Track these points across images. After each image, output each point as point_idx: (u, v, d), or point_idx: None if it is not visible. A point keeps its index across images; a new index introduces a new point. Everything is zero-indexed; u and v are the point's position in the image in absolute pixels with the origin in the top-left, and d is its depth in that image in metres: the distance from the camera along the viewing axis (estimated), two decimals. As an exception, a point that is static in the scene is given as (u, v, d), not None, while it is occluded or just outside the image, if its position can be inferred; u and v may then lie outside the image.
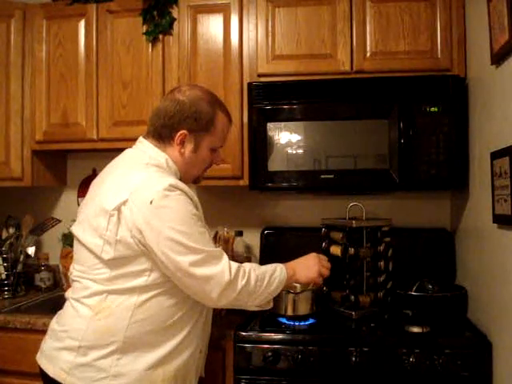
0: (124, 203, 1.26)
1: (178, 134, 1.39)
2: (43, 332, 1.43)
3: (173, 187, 1.27)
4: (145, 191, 1.26)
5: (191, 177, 1.48)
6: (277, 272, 1.43)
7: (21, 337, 1.83)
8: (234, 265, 1.32)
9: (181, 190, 1.29)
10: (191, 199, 1.32)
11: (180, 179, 1.39)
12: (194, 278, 1.26)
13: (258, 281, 1.35)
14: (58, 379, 1.28)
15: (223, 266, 1.29)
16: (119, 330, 1.27)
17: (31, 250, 2.35)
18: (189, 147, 1.40)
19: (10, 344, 1.85)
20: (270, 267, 1.43)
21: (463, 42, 1.89)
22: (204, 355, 1.51)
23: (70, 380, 1.27)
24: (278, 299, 1.80)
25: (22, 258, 2.31)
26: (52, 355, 1.32)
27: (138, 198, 1.25)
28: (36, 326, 1.81)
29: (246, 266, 1.37)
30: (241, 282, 1.31)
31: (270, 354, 1.62)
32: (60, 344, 1.32)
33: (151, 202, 1.24)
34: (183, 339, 1.33)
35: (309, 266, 1.53)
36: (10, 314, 1.92)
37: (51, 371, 1.30)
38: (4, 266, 2.25)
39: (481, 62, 1.68)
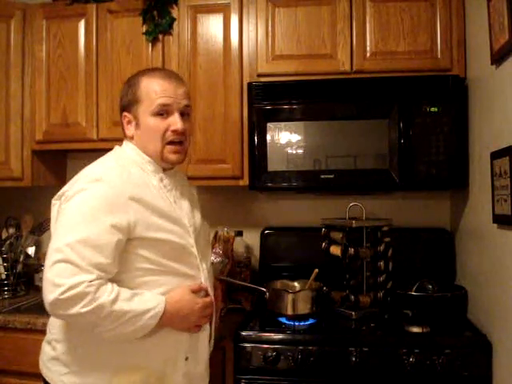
0: (63, 194, 1.29)
1: (122, 117, 1.38)
2: (43, 332, 1.43)
3: (96, 179, 1.24)
4: (74, 184, 1.27)
5: (157, 152, 1.34)
6: (145, 316, 1.22)
7: (21, 337, 1.83)
8: (90, 288, 1.15)
9: (107, 179, 1.24)
10: (120, 195, 1.23)
11: (151, 158, 1.36)
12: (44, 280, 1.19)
13: (111, 317, 1.18)
14: (41, 372, 1.35)
15: (72, 282, 1.14)
16: (75, 325, 1.27)
17: (31, 250, 2.35)
18: (133, 125, 1.36)
19: (9, 344, 1.85)
20: (140, 307, 1.22)
21: (463, 41, 1.89)
22: (195, 362, 1.39)
23: (45, 373, 1.33)
24: (278, 299, 1.81)
25: (21, 258, 2.31)
26: (42, 349, 1.39)
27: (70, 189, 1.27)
28: (36, 326, 1.81)
29: (111, 293, 1.19)
30: (78, 308, 1.15)
31: (269, 353, 1.62)
32: (45, 337, 1.38)
33: (67, 196, 1.25)
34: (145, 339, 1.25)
35: (187, 317, 1.31)
36: (10, 314, 1.92)
37: (39, 365, 1.37)
38: (4, 266, 2.25)
39: (481, 62, 1.68)
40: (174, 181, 1.42)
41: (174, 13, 2.08)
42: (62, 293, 1.14)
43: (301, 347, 1.62)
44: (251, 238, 2.30)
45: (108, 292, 1.18)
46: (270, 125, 1.92)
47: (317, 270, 1.83)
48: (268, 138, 1.92)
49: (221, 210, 2.36)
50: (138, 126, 1.35)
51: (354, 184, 1.88)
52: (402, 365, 1.57)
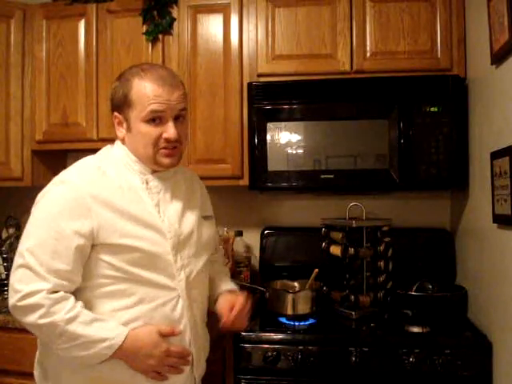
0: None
1: (113, 117, 1.30)
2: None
3: (61, 181, 1.22)
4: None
5: (147, 157, 1.26)
6: (99, 345, 1.14)
7: (21, 337, 1.83)
8: (45, 301, 1.12)
9: (70, 182, 1.21)
10: (85, 197, 1.17)
11: (140, 159, 1.29)
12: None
13: (64, 336, 1.13)
14: None
15: (29, 290, 1.13)
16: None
17: (31, 250, 2.34)
18: (124, 127, 1.28)
19: (9, 344, 1.84)
20: (97, 334, 1.15)
21: (463, 41, 1.89)
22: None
23: (35, 373, 1.30)
24: (278, 299, 1.81)
25: (21, 257, 2.30)
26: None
27: None
28: (36, 326, 1.81)
29: (69, 312, 1.13)
30: (35, 318, 1.13)
31: (270, 353, 1.62)
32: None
33: (36, 199, 1.23)
34: None
35: (145, 360, 1.19)
36: (10, 314, 1.91)
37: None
38: (4, 266, 2.24)
39: (481, 62, 1.68)
40: (167, 182, 1.32)
41: (174, 13, 2.08)
42: (19, 299, 1.13)
43: (301, 347, 1.62)
44: (251, 238, 2.30)
45: (66, 310, 1.13)
46: (270, 125, 1.92)
47: (317, 270, 1.83)
48: (268, 137, 1.92)
49: (221, 209, 2.34)
50: (129, 129, 1.27)
51: (354, 184, 1.88)
52: (402, 365, 1.57)
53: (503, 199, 1.43)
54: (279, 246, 2.23)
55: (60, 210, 1.17)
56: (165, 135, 1.23)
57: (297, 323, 1.76)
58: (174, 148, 1.26)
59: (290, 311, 1.78)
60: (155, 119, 1.23)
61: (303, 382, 1.63)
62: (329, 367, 1.61)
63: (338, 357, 1.61)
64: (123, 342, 1.15)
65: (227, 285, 1.49)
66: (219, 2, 2.05)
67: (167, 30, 2.08)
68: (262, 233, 2.26)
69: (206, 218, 1.42)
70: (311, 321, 1.79)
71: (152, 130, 1.23)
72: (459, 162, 1.82)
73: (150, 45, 2.10)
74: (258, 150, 1.92)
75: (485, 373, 1.55)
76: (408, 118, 1.82)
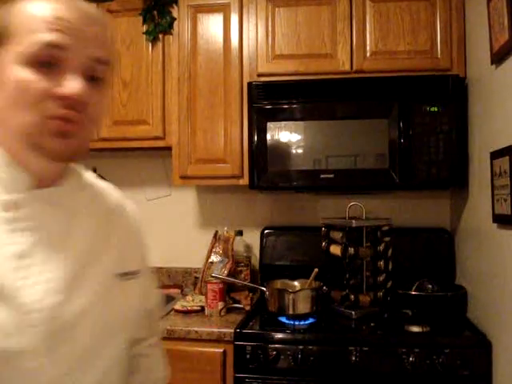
0: None
1: None
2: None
3: None
4: None
5: (20, 136, 0.69)
6: None
7: None
8: None
9: None
10: None
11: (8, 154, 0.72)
12: None
13: None
14: None
15: None
16: None
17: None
18: None
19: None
20: None
21: (463, 41, 1.89)
22: None
23: None
24: (278, 298, 1.81)
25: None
26: None
27: None
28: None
29: None
30: None
31: (269, 353, 1.62)
32: None
33: None
34: None
35: None
36: None
37: None
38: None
39: (481, 62, 1.68)
40: (55, 209, 0.74)
41: (174, 12, 2.08)
42: None
43: (301, 346, 1.62)
44: (251, 238, 2.30)
45: None
46: (270, 124, 1.92)
47: (317, 270, 1.83)
48: (268, 137, 1.92)
49: (221, 209, 2.36)
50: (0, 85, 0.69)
51: (354, 183, 1.88)
52: (401, 364, 1.57)
53: (503, 199, 1.44)
54: (279, 246, 2.23)
55: None
56: (59, 90, 0.67)
57: (297, 322, 1.76)
58: (73, 123, 0.69)
59: (290, 311, 1.78)
60: (48, 62, 0.67)
61: (303, 381, 1.63)
62: (329, 367, 1.61)
63: (337, 356, 1.61)
64: None
65: None
66: (219, 2, 2.05)
67: (167, 29, 2.08)
68: (262, 232, 2.26)
69: (126, 275, 0.82)
70: (311, 320, 1.79)
71: (37, 79, 0.67)
72: (459, 161, 1.82)
73: (150, 44, 2.10)
74: (258, 150, 1.92)
75: (484, 372, 1.55)
76: (408, 118, 1.82)
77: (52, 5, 0.68)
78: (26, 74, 0.66)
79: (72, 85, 0.67)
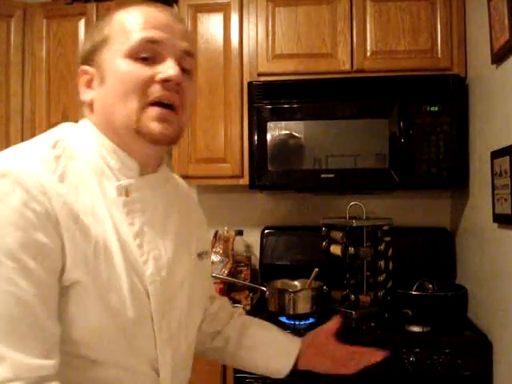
0: None
1: (79, 76, 0.86)
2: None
3: (5, 172, 0.69)
4: None
5: (130, 121, 0.78)
6: None
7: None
8: None
9: (16, 180, 0.68)
10: (39, 202, 0.68)
11: (117, 144, 0.81)
12: None
13: None
14: None
15: None
16: None
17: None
18: (95, 84, 0.82)
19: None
20: None
21: (463, 41, 1.89)
22: None
23: None
24: (278, 298, 1.81)
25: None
26: None
27: None
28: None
29: None
30: None
31: (270, 353, 1.62)
32: None
33: None
34: None
35: None
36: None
37: None
38: None
39: (481, 62, 1.68)
40: (155, 194, 0.85)
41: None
42: None
43: (301, 346, 1.62)
44: (251, 238, 2.30)
45: None
46: (270, 124, 1.92)
47: (317, 270, 1.83)
48: (268, 137, 1.92)
49: (221, 209, 2.35)
50: (102, 81, 0.80)
51: (355, 183, 1.88)
52: (402, 364, 1.57)
53: (503, 198, 1.43)
54: (279, 246, 2.23)
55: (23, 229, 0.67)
56: (160, 75, 0.77)
57: (297, 322, 1.76)
58: (171, 109, 0.79)
59: (290, 310, 1.78)
60: (147, 54, 0.78)
61: (303, 381, 1.63)
62: (329, 366, 1.61)
63: (338, 356, 1.61)
64: None
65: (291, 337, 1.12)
66: (219, 2, 2.05)
67: (167, 29, 2.07)
68: (262, 232, 2.26)
69: (201, 255, 0.96)
70: (311, 320, 1.79)
71: (140, 69, 0.78)
72: (459, 161, 1.82)
73: (150, 44, 2.09)
74: (258, 150, 1.92)
75: (485, 372, 1.55)
76: (408, 118, 1.82)
77: (144, 10, 0.81)
78: (130, 66, 0.78)
79: (170, 69, 0.78)
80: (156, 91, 0.78)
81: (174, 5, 2.07)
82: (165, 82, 0.78)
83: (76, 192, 0.74)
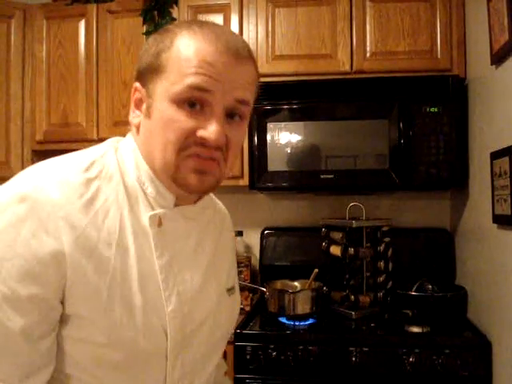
0: None
1: (132, 90, 0.80)
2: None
3: (25, 195, 0.66)
4: None
5: (163, 166, 0.74)
6: None
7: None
8: None
9: (33, 206, 0.66)
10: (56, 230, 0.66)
11: (156, 178, 0.77)
12: None
13: None
14: None
15: None
16: None
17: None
18: (144, 108, 0.77)
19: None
20: None
21: (463, 42, 1.89)
22: None
23: None
24: (278, 299, 1.81)
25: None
26: None
27: None
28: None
29: None
30: None
31: (270, 353, 1.62)
32: None
33: None
34: None
35: None
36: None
37: None
38: None
39: (481, 62, 1.68)
40: (189, 226, 0.82)
41: (174, 13, 2.08)
42: None
43: (301, 347, 1.62)
44: (251, 238, 2.31)
45: None
46: (270, 125, 1.92)
47: (317, 270, 1.83)
48: (268, 137, 1.92)
49: (221, 209, 2.35)
50: (148, 112, 0.76)
51: (354, 184, 1.88)
52: (401, 365, 1.57)
53: (503, 199, 1.43)
54: (279, 246, 2.23)
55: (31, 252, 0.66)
56: (201, 132, 0.72)
57: (297, 323, 1.76)
58: (211, 160, 0.74)
59: (290, 311, 1.78)
60: (193, 102, 0.72)
61: (303, 381, 1.63)
62: (329, 367, 1.61)
63: (337, 357, 1.61)
64: None
65: None
66: (219, 2, 2.05)
67: (167, 30, 2.08)
68: (262, 233, 2.26)
69: (229, 290, 0.90)
70: (311, 321, 1.79)
71: (183, 118, 0.72)
72: (459, 162, 1.82)
73: (150, 45, 2.10)
74: (257, 150, 1.92)
75: (484, 373, 1.55)
76: (408, 118, 1.82)
77: (204, 45, 0.72)
78: (172, 112, 0.72)
79: (212, 128, 0.71)
80: (192, 147, 0.73)
81: (174, 5, 2.07)
82: (203, 140, 0.72)
83: (103, 217, 0.71)
